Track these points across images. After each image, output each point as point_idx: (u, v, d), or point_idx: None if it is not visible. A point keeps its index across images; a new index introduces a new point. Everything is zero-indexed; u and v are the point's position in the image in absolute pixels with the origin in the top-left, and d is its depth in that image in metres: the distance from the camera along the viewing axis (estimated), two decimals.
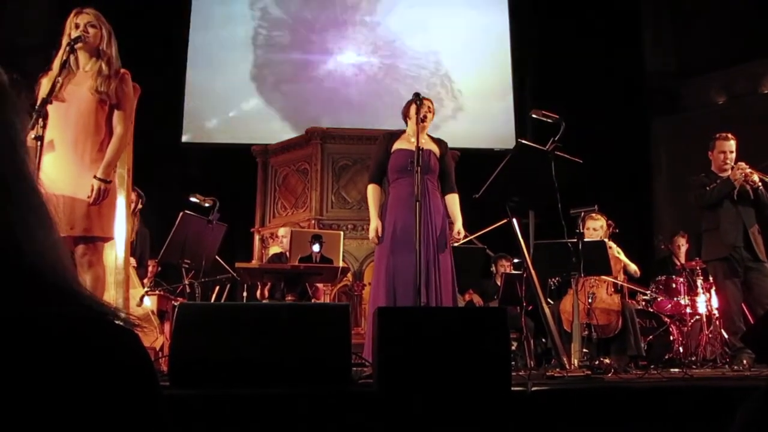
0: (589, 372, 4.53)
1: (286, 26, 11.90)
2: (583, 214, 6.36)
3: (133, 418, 0.71)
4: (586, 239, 5.99)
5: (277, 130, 11.19)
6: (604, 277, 6.38)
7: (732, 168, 6.21)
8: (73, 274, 0.79)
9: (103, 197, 3.87)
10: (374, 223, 5.22)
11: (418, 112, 5.16)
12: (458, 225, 5.34)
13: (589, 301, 6.10)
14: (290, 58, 11.79)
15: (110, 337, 0.74)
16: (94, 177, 3.86)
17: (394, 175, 5.28)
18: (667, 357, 6.85)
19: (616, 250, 6.79)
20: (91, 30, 4.02)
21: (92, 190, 3.83)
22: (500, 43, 12.19)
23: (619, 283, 6.70)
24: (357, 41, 11.95)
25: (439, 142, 5.48)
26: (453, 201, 5.41)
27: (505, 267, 8.42)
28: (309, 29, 11.92)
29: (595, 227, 6.60)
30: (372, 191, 5.39)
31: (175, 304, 5.89)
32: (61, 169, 3.83)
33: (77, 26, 4.01)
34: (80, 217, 3.82)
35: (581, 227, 6.25)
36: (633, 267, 7.02)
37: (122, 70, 4.14)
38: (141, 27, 9.54)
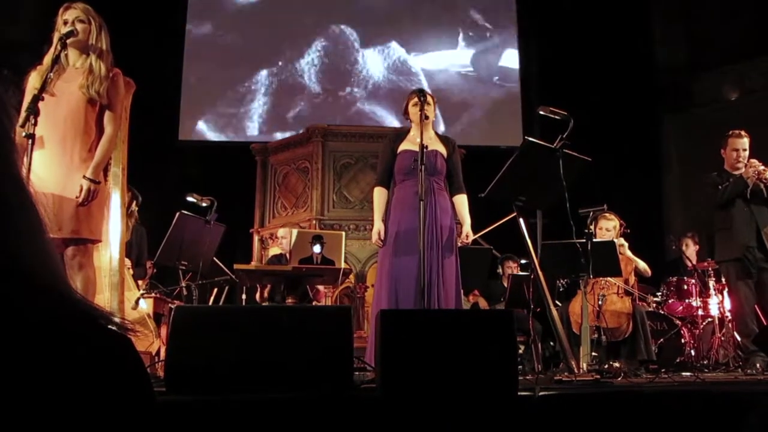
0: (598, 376, 4.52)
1: (286, 21, 11.89)
2: (592, 213, 6.35)
3: (125, 427, 0.71)
4: (596, 239, 5.98)
5: (277, 128, 11.19)
6: (614, 280, 6.37)
7: (745, 166, 6.20)
8: (63, 276, 0.79)
9: (92, 198, 3.87)
10: (377, 226, 5.22)
11: (422, 109, 5.14)
12: (467, 228, 5.32)
13: (599, 303, 6.08)
14: (291, 54, 11.78)
15: (102, 342, 0.74)
16: (84, 177, 3.85)
17: (399, 176, 5.27)
18: (678, 360, 6.84)
19: (627, 250, 6.76)
20: (79, 26, 4.01)
21: (81, 191, 3.82)
22: (507, 38, 12.19)
23: (630, 286, 6.68)
24: (362, 36, 11.94)
25: (446, 140, 5.45)
26: (461, 202, 5.38)
27: (512, 268, 8.42)
28: (312, 23, 11.92)
29: (608, 227, 6.58)
30: (378, 194, 5.37)
31: (172, 307, 5.92)
32: (50, 167, 3.82)
33: (66, 22, 4.01)
34: (68, 218, 3.81)
35: (593, 227, 6.23)
36: (642, 265, 6.98)
37: (114, 70, 4.13)
38: (136, 21, 9.54)
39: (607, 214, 6.64)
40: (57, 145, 3.89)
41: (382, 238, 5.17)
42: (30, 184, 0.79)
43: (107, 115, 4.06)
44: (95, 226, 3.99)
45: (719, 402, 3.15)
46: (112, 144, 4.08)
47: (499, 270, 8.64)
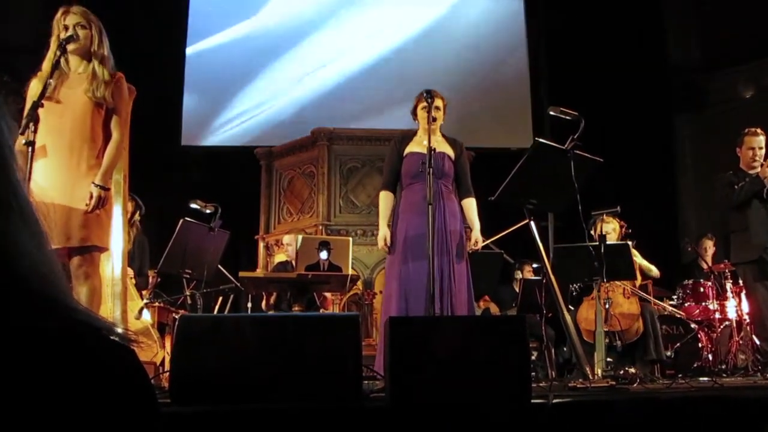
0: (614, 382, 4.50)
1: (289, 23, 11.90)
2: (603, 215, 6.34)
3: None
4: (608, 242, 5.96)
5: (281, 131, 11.16)
6: (619, 282, 6.36)
7: (761, 165, 6.18)
8: (65, 287, 0.79)
9: (101, 204, 3.88)
10: (382, 232, 5.21)
11: (429, 111, 5.13)
12: (476, 232, 5.31)
13: (606, 306, 6.06)
14: (294, 56, 11.78)
15: (105, 353, 0.74)
16: (93, 184, 3.86)
17: (407, 180, 5.27)
18: (695, 365, 6.81)
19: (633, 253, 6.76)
20: (81, 31, 4.02)
21: (90, 198, 3.83)
22: (516, 37, 12.17)
23: (637, 285, 6.67)
24: (366, 35, 11.93)
25: (453, 142, 5.44)
26: (470, 206, 5.38)
27: (524, 272, 8.41)
28: (313, 25, 11.92)
29: (607, 230, 6.56)
30: (383, 198, 5.37)
31: (176, 316, 5.93)
32: (56, 176, 3.83)
33: (66, 28, 4.01)
34: (77, 227, 3.81)
35: (594, 230, 6.23)
36: (646, 264, 6.96)
37: (118, 74, 4.14)
38: (137, 25, 9.57)
39: (605, 217, 6.62)
40: (64, 153, 3.89)
41: (388, 243, 5.17)
42: (31, 193, 0.79)
43: (114, 119, 4.08)
44: (104, 233, 4.00)
45: (738, 408, 3.14)
46: (120, 149, 4.09)
47: (517, 274, 8.63)
